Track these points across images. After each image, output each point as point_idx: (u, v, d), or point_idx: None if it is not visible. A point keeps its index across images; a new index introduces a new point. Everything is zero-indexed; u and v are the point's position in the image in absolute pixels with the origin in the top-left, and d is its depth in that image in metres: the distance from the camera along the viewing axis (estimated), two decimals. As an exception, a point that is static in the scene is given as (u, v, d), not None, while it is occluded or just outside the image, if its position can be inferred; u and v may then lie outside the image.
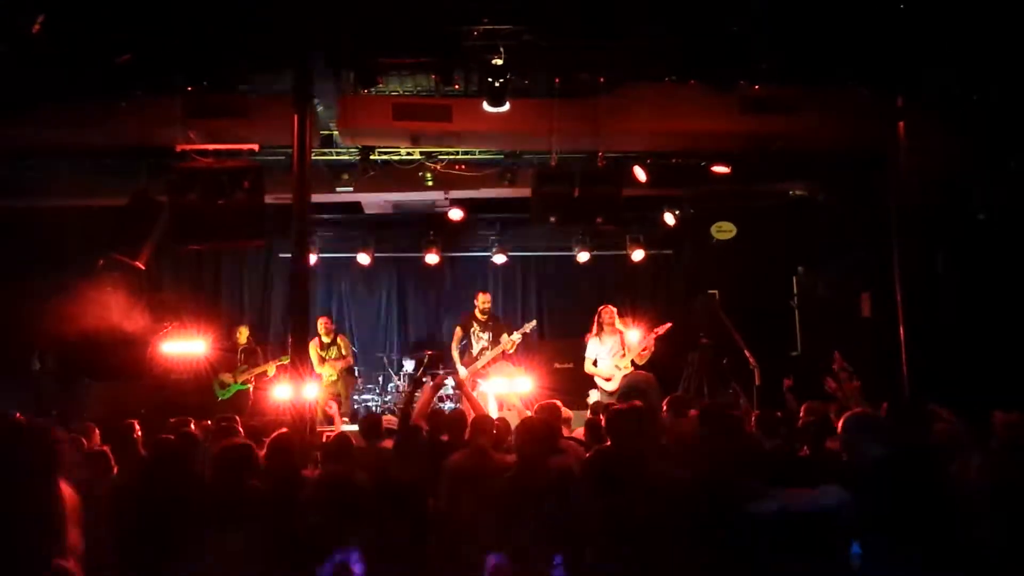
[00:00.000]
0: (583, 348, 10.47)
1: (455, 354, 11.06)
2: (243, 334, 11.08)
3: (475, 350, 10.93)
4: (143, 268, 9.93)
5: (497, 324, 11.08)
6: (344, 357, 11.24)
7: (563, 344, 12.06)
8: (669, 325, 10.28)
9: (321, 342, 11.17)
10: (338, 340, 11.32)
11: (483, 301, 11.07)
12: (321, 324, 11.23)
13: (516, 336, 10.77)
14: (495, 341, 10.84)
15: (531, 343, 11.55)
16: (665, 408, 6.75)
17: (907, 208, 8.97)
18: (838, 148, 10.23)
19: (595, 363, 10.23)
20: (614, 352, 10.15)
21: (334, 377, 11.08)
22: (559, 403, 6.85)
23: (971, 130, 8.96)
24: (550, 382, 11.02)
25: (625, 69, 9.37)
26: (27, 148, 10.07)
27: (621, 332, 10.27)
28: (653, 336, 10.11)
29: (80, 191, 11.13)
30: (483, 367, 10.70)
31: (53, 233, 10.83)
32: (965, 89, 8.19)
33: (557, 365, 11.96)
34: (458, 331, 11.13)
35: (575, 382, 10.89)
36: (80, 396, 10.41)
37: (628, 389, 9.64)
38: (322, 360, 11.08)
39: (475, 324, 11.00)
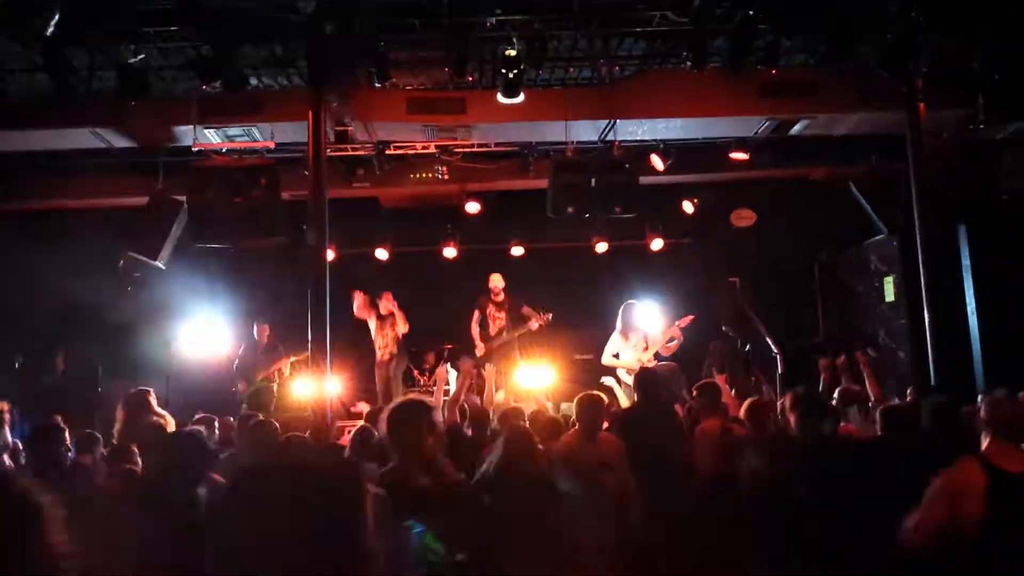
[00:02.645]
0: (603, 340, 10.41)
1: (475, 332, 11.17)
2: (263, 332, 11.09)
3: (492, 330, 11.03)
4: (163, 267, 9.97)
5: (513, 304, 11.13)
6: (398, 324, 11.32)
7: (582, 335, 12.00)
8: (691, 318, 10.21)
9: (379, 315, 11.36)
10: (395, 312, 11.39)
11: (494, 281, 11.15)
12: (384, 298, 11.40)
13: (534, 324, 10.84)
14: (512, 321, 10.94)
15: (550, 334, 11.50)
16: (696, 394, 6.70)
17: (929, 190, 8.85)
18: (858, 131, 10.11)
19: (616, 356, 10.16)
20: (637, 347, 10.08)
21: (393, 350, 11.22)
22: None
23: (993, 108, 8.84)
24: (570, 374, 10.99)
25: (641, 57, 9.34)
26: (45, 150, 10.15)
27: (644, 327, 10.21)
28: (677, 328, 10.05)
29: (98, 191, 11.23)
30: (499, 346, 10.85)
31: (73, 234, 10.90)
32: (986, 67, 8.06)
33: (577, 356, 11.93)
34: (476, 313, 11.24)
35: (595, 373, 10.84)
36: (98, 396, 10.46)
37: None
38: (380, 328, 11.32)
39: (491, 305, 11.09)
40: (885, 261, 11.45)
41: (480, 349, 11.01)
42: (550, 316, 11.01)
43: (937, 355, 8.56)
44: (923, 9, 7.76)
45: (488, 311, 11.12)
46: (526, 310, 10.95)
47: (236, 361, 10.75)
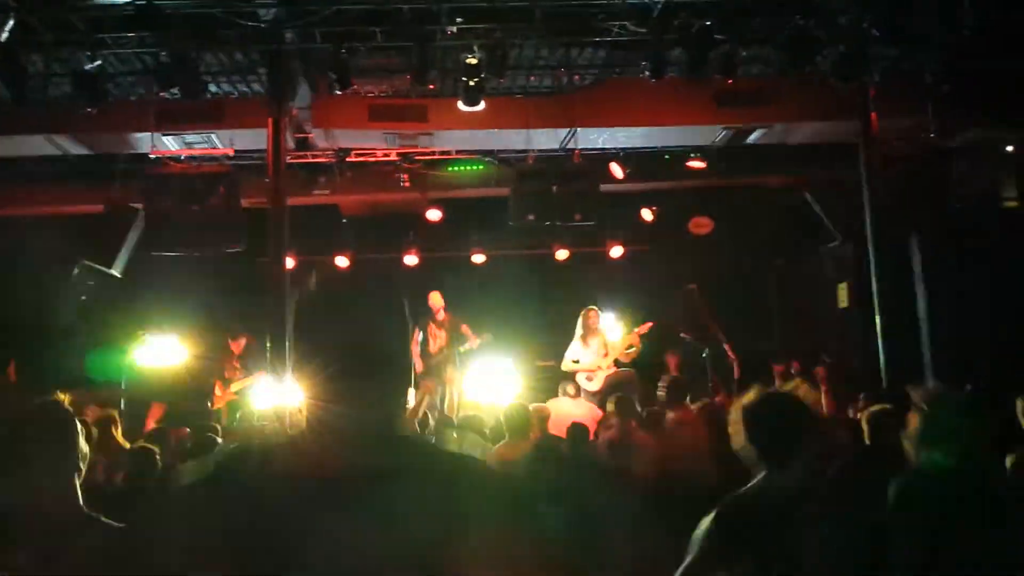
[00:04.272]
0: (565, 346, 10.44)
1: (415, 350, 11.03)
2: (239, 344, 10.77)
3: (432, 348, 10.92)
4: (118, 276, 9.85)
5: (452, 321, 11.04)
6: None
7: (544, 342, 12.03)
8: (651, 324, 10.27)
9: None
10: None
11: (434, 300, 11.04)
12: None
13: (475, 343, 10.77)
14: (451, 338, 10.85)
15: (511, 341, 11.51)
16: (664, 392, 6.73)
17: (881, 198, 9.05)
18: (813, 140, 10.30)
19: (576, 361, 10.19)
20: (597, 353, 10.12)
21: None
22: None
23: (943, 118, 9.07)
24: (531, 380, 10.98)
25: (601, 66, 9.43)
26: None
27: (603, 333, 10.25)
28: (635, 335, 10.12)
29: (52, 199, 11.03)
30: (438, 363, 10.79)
31: (27, 241, 10.69)
32: (937, 78, 8.27)
33: (538, 363, 11.93)
34: (416, 331, 11.10)
35: (556, 380, 10.87)
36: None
37: (610, 388, 9.68)
38: None
39: (431, 323, 11.00)
40: (839, 268, 11.64)
41: (418, 366, 10.85)
42: (488, 337, 10.95)
43: (888, 360, 8.75)
44: (875, 21, 7.94)
45: (429, 330, 11.03)
46: (465, 328, 10.87)
47: (199, 369, 10.52)
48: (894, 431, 4.50)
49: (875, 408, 4.65)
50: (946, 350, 9.70)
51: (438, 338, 10.91)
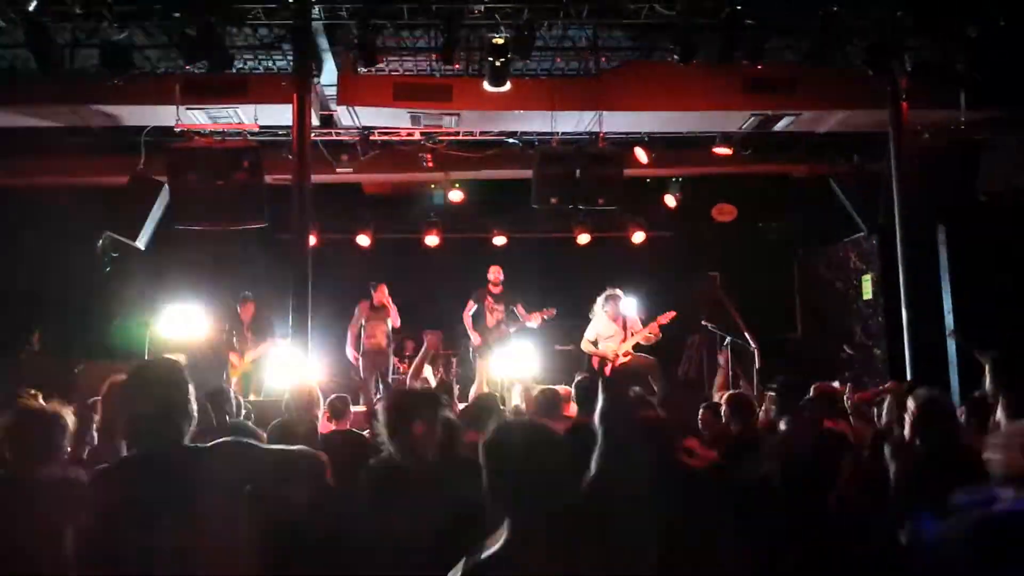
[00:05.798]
0: (584, 331, 10.43)
1: (468, 321, 11.01)
2: (248, 309, 10.82)
3: (490, 322, 10.90)
4: (143, 248, 9.90)
5: (511, 297, 11.01)
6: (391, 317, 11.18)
7: (563, 326, 12.02)
8: (673, 314, 10.20)
9: (372, 305, 11.13)
10: (387, 305, 11.17)
11: (494, 273, 11.02)
12: (379, 290, 11.17)
13: (534, 323, 10.76)
14: (509, 313, 10.83)
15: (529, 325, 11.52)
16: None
17: (910, 189, 8.94)
18: (841, 129, 10.18)
19: (595, 343, 10.16)
20: (616, 337, 10.08)
21: (382, 342, 11.05)
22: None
23: (974, 109, 8.94)
24: (550, 364, 10.98)
25: (628, 49, 9.35)
26: (24, 127, 10.02)
27: (625, 317, 10.19)
28: (655, 325, 10.04)
29: (78, 170, 11.11)
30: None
31: (53, 212, 10.77)
32: (969, 68, 8.14)
33: (557, 347, 11.94)
34: (471, 303, 11.08)
35: (575, 364, 10.87)
36: (73, 376, 10.31)
37: (625, 375, 9.65)
38: (369, 318, 11.07)
39: (489, 297, 10.99)
40: (864, 259, 11.54)
41: (476, 339, 10.87)
42: (554, 311, 10.91)
43: (914, 353, 8.66)
44: (908, 9, 7.82)
45: (487, 303, 11.01)
46: (520, 308, 10.85)
47: (218, 340, 10.58)
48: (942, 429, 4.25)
49: (925, 401, 4.26)
50: (971, 343, 9.60)
51: (496, 312, 10.88)
